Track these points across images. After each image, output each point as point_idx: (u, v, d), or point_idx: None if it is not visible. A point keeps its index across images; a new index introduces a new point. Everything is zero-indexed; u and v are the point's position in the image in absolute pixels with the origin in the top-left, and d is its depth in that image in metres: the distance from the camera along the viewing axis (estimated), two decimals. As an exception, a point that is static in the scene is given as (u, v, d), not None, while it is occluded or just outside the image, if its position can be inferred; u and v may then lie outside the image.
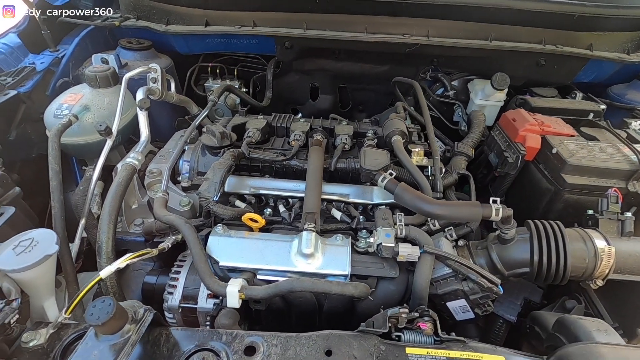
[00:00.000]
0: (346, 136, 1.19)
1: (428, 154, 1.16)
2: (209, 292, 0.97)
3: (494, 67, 1.36)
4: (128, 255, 0.82)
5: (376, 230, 0.92)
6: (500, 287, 0.83)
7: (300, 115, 1.72)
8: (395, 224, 0.95)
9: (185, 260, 1.03)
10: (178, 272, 1.01)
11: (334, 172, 1.13)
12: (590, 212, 0.95)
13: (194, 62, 1.65)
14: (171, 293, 0.98)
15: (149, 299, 1.08)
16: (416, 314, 0.77)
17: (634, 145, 1.06)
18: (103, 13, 1.49)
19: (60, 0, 1.42)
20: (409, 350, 0.71)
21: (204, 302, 0.97)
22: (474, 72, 1.47)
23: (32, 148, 1.27)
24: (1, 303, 0.66)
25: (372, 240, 0.92)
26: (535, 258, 0.86)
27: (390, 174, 0.97)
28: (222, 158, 1.06)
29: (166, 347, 0.73)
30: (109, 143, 1.09)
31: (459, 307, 0.90)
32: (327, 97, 1.77)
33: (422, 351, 0.71)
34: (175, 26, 1.39)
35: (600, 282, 0.85)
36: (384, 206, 1.06)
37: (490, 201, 0.86)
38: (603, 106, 1.31)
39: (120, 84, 1.18)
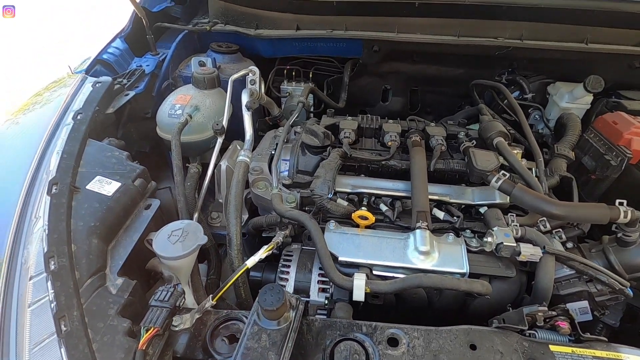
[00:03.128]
0: (441, 137, 1.21)
1: (527, 155, 1.17)
2: (320, 286, 1.02)
3: (583, 69, 1.35)
4: (266, 246, 0.87)
5: (493, 230, 0.94)
6: (630, 289, 0.83)
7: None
8: (508, 224, 0.96)
9: (292, 255, 1.08)
10: (287, 266, 1.06)
11: (432, 172, 1.15)
12: None
13: (269, 65, 1.71)
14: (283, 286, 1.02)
15: (256, 294, 1.13)
16: (554, 313, 0.78)
17: None
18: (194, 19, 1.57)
19: (157, 7, 1.50)
20: (552, 347, 0.73)
21: (316, 296, 1.01)
22: (559, 75, 1.46)
23: (132, 146, 1.35)
24: (170, 288, 0.71)
25: (489, 239, 0.93)
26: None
27: (504, 175, 0.98)
28: (331, 157, 1.11)
29: (311, 336, 0.77)
30: (219, 141, 1.15)
31: (579, 309, 0.90)
32: (398, 100, 1.79)
33: (567, 349, 0.72)
34: (266, 30, 1.45)
35: None
36: (486, 207, 1.08)
37: (617, 203, 0.86)
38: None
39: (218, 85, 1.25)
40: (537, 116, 1.55)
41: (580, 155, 1.27)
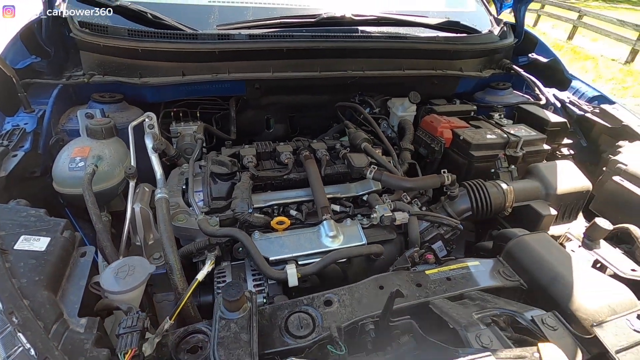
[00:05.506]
0: (324, 149, 1.54)
1: (384, 153, 1.59)
2: (257, 289, 1.18)
3: (407, 88, 1.89)
4: (209, 261, 1.00)
5: (375, 208, 1.28)
6: (461, 225, 1.28)
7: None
8: (384, 202, 1.32)
9: (224, 271, 1.21)
10: (223, 282, 1.18)
11: (323, 177, 1.46)
12: (492, 170, 1.50)
13: (154, 109, 1.79)
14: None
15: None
16: (423, 251, 1.14)
17: (502, 128, 1.68)
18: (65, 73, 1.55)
19: (21, 63, 1.44)
20: (427, 272, 1.08)
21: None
22: (393, 93, 1.99)
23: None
24: (134, 314, 0.79)
25: (374, 215, 1.27)
26: (474, 204, 1.34)
27: (374, 167, 1.35)
28: (243, 179, 1.30)
29: (265, 320, 0.94)
30: (132, 184, 1.21)
31: (438, 247, 1.31)
32: (280, 126, 2.09)
33: (435, 270, 1.09)
34: (152, 78, 1.55)
35: (509, 210, 1.38)
36: (367, 195, 1.43)
37: (442, 172, 1.32)
38: (475, 107, 1.96)
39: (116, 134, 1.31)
40: (385, 124, 2.05)
41: (417, 147, 1.79)
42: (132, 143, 1.28)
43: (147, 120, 1.40)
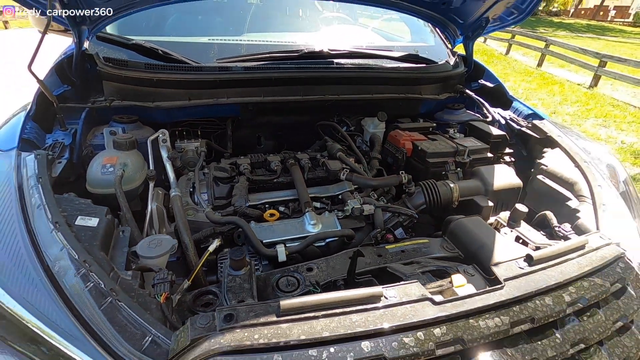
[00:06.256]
0: (307, 158, 1.87)
1: (357, 161, 1.93)
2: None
3: (376, 109, 2.26)
4: (215, 241, 1.28)
5: (348, 202, 1.59)
6: (416, 215, 1.60)
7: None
8: (355, 198, 1.64)
9: (226, 256, 1.49)
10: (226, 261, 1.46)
11: (306, 180, 1.78)
12: (443, 172, 1.84)
13: (163, 128, 2.11)
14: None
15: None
16: (384, 231, 1.46)
17: (454, 140, 2.04)
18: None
19: (56, 91, 1.75)
20: (387, 247, 1.39)
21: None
22: (365, 113, 2.36)
23: None
24: (163, 271, 1.07)
25: (347, 208, 1.58)
26: (427, 199, 1.68)
27: (347, 170, 1.68)
28: (240, 181, 1.61)
29: (261, 282, 1.22)
30: (151, 185, 1.51)
31: (399, 234, 1.62)
32: (270, 143, 2.42)
33: (393, 246, 1.40)
34: (163, 102, 1.88)
35: (456, 203, 1.71)
36: (342, 194, 1.75)
37: (401, 173, 1.66)
38: (434, 124, 2.33)
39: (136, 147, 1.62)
40: (359, 140, 2.41)
41: (385, 157, 2.13)
42: (150, 153, 1.59)
43: (161, 135, 1.71)
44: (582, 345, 1.01)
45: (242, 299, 1.05)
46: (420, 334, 0.87)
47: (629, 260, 1.19)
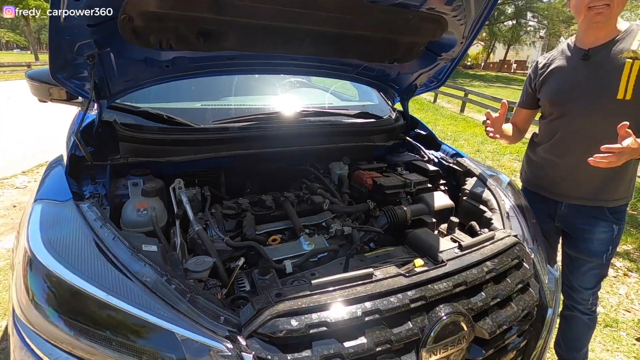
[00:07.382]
0: (293, 196, 2.36)
1: (332, 195, 2.46)
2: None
3: (342, 154, 2.85)
4: (240, 262, 1.68)
5: (332, 226, 2.09)
6: (382, 231, 2.13)
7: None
8: (336, 223, 2.15)
9: (242, 278, 1.88)
10: (242, 281, 1.84)
11: (297, 212, 2.25)
12: (397, 200, 2.44)
13: (167, 179, 2.49)
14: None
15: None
16: (361, 244, 1.96)
17: (402, 176, 2.67)
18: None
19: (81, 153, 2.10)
20: (366, 255, 1.89)
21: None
22: (330, 159, 2.94)
23: None
24: (215, 280, 1.46)
25: (332, 230, 2.07)
26: (389, 219, 2.23)
27: (328, 202, 2.20)
28: (247, 216, 2.04)
29: (279, 284, 1.64)
30: (177, 223, 1.88)
31: (371, 245, 2.13)
32: (255, 187, 2.88)
33: (369, 254, 1.90)
34: (173, 157, 2.29)
35: (410, 221, 2.28)
36: (325, 221, 2.25)
37: (369, 202, 2.21)
38: (386, 165, 2.98)
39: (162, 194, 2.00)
40: (328, 180, 2.96)
41: (352, 192, 2.69)
42: (173, 197, 1.98)
43: (177, 184, 2.11)
44: (498, 300, 1.56)
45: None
46: (400, 295, 1.36)
47: (523, 245, 1.82)
